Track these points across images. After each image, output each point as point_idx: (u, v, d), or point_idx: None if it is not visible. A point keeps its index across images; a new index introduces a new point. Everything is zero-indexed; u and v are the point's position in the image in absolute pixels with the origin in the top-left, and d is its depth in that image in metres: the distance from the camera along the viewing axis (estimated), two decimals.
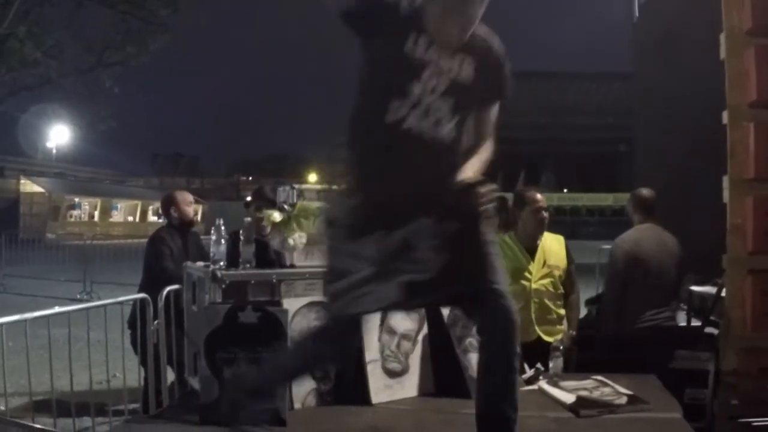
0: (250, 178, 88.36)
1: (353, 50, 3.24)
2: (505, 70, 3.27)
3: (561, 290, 5.49)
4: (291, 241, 4.42)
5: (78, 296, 15.32)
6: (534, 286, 5.34)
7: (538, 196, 5.50)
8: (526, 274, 5.36)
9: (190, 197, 6.76)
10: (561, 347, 4.84)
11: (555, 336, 5.31)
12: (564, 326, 5.49)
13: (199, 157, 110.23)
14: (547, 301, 5.38)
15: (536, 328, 5.27)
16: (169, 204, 6.69)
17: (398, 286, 3.08)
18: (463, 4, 3.02)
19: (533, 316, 5.28)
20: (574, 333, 5.47)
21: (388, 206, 3.10)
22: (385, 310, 3.54)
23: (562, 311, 5.49)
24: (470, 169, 3.15)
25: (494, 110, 3.34)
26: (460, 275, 3.07)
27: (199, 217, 7.91)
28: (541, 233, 5.51)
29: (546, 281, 5.39)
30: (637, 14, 8.88)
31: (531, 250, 5.43)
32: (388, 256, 3.06)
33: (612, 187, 41.10)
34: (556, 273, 5.45)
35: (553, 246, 5.53)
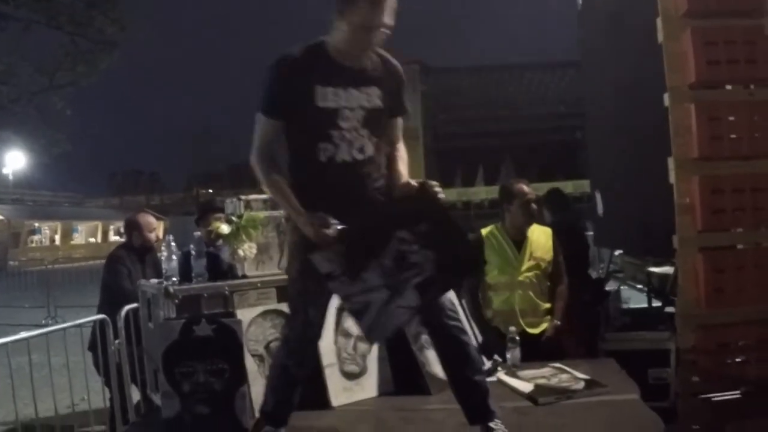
0: (210, 191, 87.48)
1: None
2: (403, 89, 3.74)
3: (547, 283, 5.46)
4: (241, 252, 4.44)
5: (43, 322, 15.14)
6: (520, 278, 5.32)
7: (526, 188, 5.49)
8: (513, 266, 5.35)
9: (153, 222, 6.72)
10: (517, 337, 4.83)
11: (539, 328, 5.33)
12: (548, 319, 5.41)
13: (159, 172, 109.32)
14: (532, 293, 5.35)
15: (520, 320, 5.22)
16: (131, 228, 6.68)
17: (413, 290, 3.32)
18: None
19: (517, 308, 5.26)
20: (558, 323, 5.38)
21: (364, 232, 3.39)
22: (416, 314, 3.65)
23: (548, 305, 5.43)
24: (405, 173, 3.67)
25: (399, 120, 3.82)
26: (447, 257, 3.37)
27: (161, 234, 7.86)
28: (530, 225, 5.50)
29: (531, 273, 5.36)
30: (580, 2, 8.94)
31: (518, 243, 5.41)
32: (391, 273, 3.33)
33: (571, 174, 41.13)
34: (543, 265, 5.42)
35: (540, 238, 5.50)
